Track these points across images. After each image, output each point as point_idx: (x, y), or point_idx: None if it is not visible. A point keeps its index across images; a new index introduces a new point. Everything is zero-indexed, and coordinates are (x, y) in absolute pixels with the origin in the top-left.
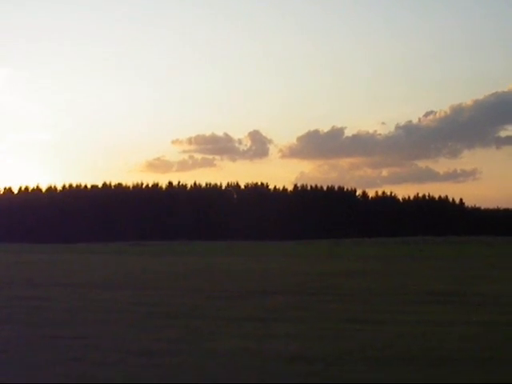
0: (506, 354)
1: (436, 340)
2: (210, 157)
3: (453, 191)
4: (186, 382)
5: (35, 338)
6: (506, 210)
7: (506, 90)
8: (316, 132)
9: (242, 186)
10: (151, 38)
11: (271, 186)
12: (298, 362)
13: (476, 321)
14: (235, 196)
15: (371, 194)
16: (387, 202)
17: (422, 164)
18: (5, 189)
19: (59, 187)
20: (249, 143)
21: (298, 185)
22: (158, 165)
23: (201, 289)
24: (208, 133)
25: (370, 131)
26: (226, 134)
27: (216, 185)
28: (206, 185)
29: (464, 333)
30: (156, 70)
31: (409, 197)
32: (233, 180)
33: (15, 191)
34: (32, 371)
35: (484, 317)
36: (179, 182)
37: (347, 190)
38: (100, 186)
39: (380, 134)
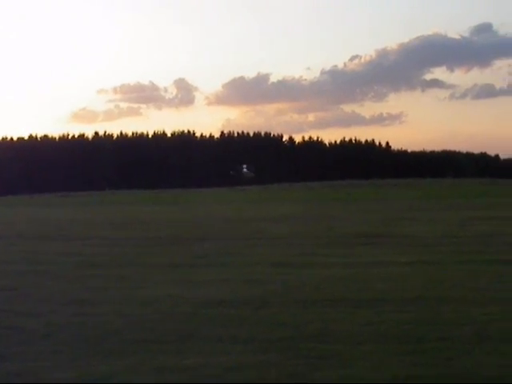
0: (432, 292)
1: (363, 281)
2: (136, 106)
3: (379, 135)
4: (114, 329)
5: None
6: (432, 153)
7: (431, 33)
8: (241, 78)
9: (169, 135)
10: None
11: (198, 134)
12: (226, 307)
13: (403, 262)
14: (162, 144)
15: (298, 139)
16: (314, 146)
17: (347, 108)
18: None
19: None
20: (174, 91)
21: (225, 132)
22: (83, 115)
23: (129, 237)
24: (133, 82)
25: (296, 77)
26: (151, 83)
27: (142, 134)
28: (133, 134)
29: (391, 274)
30: (78, 18)
31: (335, 141)
32: (159, 128)
33: None
34: None
35: (411, 257)
36: (105, 132)
37: (274, 135)
38: (26, 138)
39: (305, 80)
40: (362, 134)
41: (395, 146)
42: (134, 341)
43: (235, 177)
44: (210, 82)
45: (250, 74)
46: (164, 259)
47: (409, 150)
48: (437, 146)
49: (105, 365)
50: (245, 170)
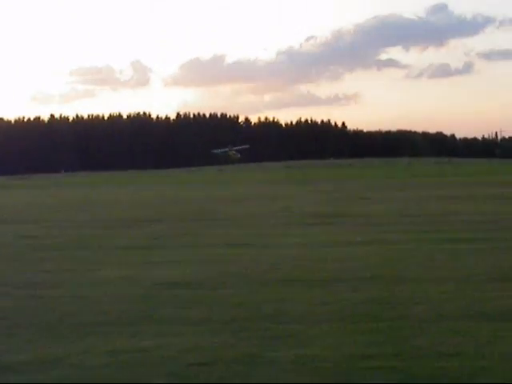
0: (387, 272)
1: (319, 261)
2: (92, 88)
3: (335, 115)
4: (69, 311)
5: None
6: (388, 132)
7: (386, 13)
8: (197, 60)
9: (125, 116)
10: None
11: (154, 116)
12: (181, 288)
13: (359, 241)
14: (118, 126)
15: (254, 119)
16: (270, 127)
17: (303, 88)
18: None
19: None
20: (130, 73)
21: (181, 113)
22: (39, 97)
23: (85, 220)
24: (89, 64)
25: (252, 57)
26: (107, 65)
27: (98, 116)
28: (89, 116)
29: (347, 253)
30: (34, 1)
31: (291, 121)
32: (115, 110)
33: None
34: None
35: (367, 237)
36: (61, 115)
37: (230, 116)
38: None
39: (261, 60)
40: (318, 114)
41: (351, 126)
42: (88, 323)
43: (221, 157)
44: (166, 64)
45: (206, 55)
46: (119, 241)
47: (364, 130)
48: (392, 126)
49: (60, 347)
50: (233, 151)
